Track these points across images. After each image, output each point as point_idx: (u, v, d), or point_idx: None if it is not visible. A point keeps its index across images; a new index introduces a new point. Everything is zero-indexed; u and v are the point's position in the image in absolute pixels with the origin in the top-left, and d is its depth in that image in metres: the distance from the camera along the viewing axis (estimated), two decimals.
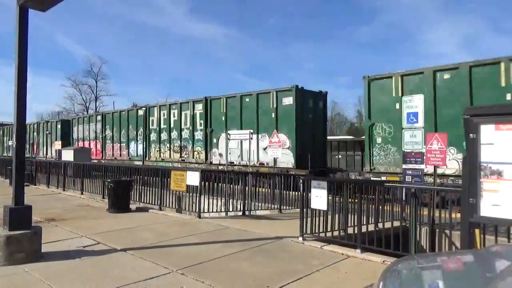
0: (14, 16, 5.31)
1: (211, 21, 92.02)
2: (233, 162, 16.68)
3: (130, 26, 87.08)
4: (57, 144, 27.08)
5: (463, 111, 3.89)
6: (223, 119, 17.59)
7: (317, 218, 6.24)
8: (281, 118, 15.51)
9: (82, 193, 12.50)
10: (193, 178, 8.58)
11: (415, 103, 7.02)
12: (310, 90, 16.15)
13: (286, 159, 15.03)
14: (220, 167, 16.58)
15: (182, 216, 8.66)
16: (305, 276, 4.53)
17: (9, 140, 35.57)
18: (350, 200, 6.21)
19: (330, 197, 6.19)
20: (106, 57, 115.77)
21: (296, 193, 9.79)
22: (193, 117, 19.16)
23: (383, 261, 5.05)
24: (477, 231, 4.21)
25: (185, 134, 19.75)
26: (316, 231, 6.25)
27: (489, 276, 1.90)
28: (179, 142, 19.95)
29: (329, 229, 6.14)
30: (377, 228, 5.89)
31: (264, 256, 5.39)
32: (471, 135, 3.65)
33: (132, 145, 23.28)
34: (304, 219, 6.28)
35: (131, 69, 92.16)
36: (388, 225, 6.12)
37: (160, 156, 20.98)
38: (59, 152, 25.44)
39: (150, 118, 21.81)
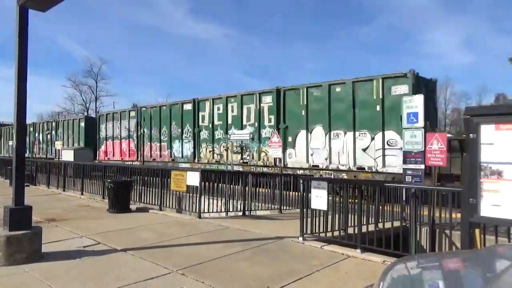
0: (14, 16, 5.31)
1: (211, 21, 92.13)
2: (317, 166, 13.91)
3: (130, 26, 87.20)
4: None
5: (464, 111, 3.89)
6: (303, 113, 14.36)
7: (317, 218, 6.24)
8: (389, 111, 12.21)
9: (82, 194, 12.50)
10: (193, 178, 8.58)
11: (415, 103, 7.00)
12: (423, 77, 12.71)
13: (396, 163, 11.67)
14: (299, 172, 14.02)
15: (182, 216, 8.66)
16: (306, 276, 4.53)
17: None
18: (350, 200, 6.21)
19: (330, 197, 6.19)
20: (106, 57, 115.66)
21: (296, 193, 9.80)
22: (259, 111, 15.91)
23: (383, 261, 5.05)
24: (477, 231, 4.22)
25: (248, 132, 16.37)
26: (316, 231, 6.25)
27: (490, 276, 1.90)
28: (239, 142, 16.54)
29: (329, 229, 6.14)
30: (377, 228, 5.89)
31: (264, 256, 5.39)
32: (471, 135, 3.65)
33: (176, 144, 19.72)
34: (304, 219, 6.28)
35: (131, 69, 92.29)
36: (388, 225, 6.12)
37: (213, 157, 17.71)
38: (58, 152, 25.40)
39: (200, 114, 18.48)
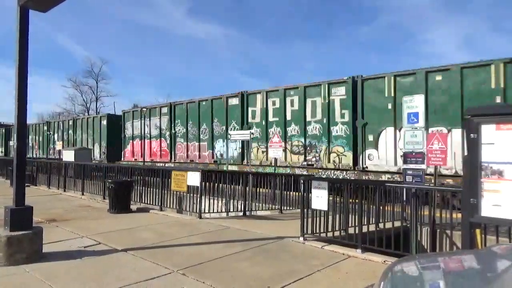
0: (15, 16, 5.32)
1: (211, 21, 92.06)
2: None
3: (130, 26, 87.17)
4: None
5: (465, 111, 3.89)
6: (389, 107, 12.08)
7: (317, 218, 6.25)
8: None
9: (82, 194, 12.51)
10: (193, 179, 8.58)
11: (416, 103, 7.00)
12: None
13: None
14: (385, 177, 11.98)
15: (183, 217, 8.67)
16: (306, 276, 4.52)
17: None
18: (350, 200, 6.21)
19: (330, 197, 6.19)
20: (106, 57, 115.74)
21: (297, 193, 9.80)
22: (328, 105, 13.64)
23: (384, 261, 5.05)
24: (478, 231, 4.22)
25: (314, 129, 14.26)
26: (317, 231, 6.25)
27: (490, 276, 1.90)
28: (302, 140, 14.35)
29: (329, 229, 6.14)
30: (377, 228, 5.89)
31: (265, 256, 5.39)
32: (472, 135, 3.65)
33: (219, 144, 17.40)
34: (305, 219, 6.28)
35: (131, 70, 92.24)
36: (389, 225, 6.12)
37: (266, 158, 15.42)
38: (59, 153, 25.36)
39: (249, 109, 16.22)
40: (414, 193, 5.82)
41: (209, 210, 8.82)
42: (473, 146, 3.66)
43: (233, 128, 16.75)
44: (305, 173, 13.62)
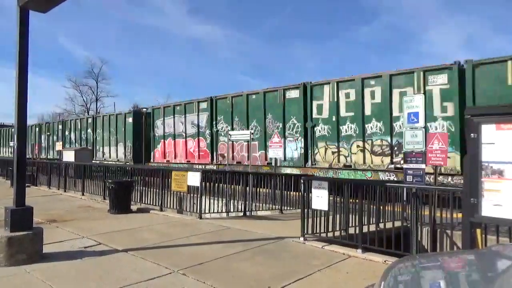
0: (15, 17, 5.32)
1: (211, 21, 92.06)
2: None
3: (130, 26, 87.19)
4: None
5: (465, 111, 3.90)
6: None
7: (318, 218, 6.25)
8: None
9: (83, 194, 12.51)
10: (194, 179, 8.58)
11: (416, 103, 7.00)
12: None
13: None
14: None
15: (183, 217, 8.67)
16: (307, 276, 4.53)
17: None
18: (351, 200, 6.21)
19: (331, 197, 6.19)
20: (106, 57, 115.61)
21: (297, 193, 9.80)
22: (426, 97, 10.62)
23: (384, 261, 5.05)
24: (478, 231, 4.21)
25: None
26: (317, 231, 6.25)
27: (491, 276, 1.90)
28: (387, 139, 11.97)
29: (330, 229, 6.14)
30: (378, 228, 5.89)
31: (265, 256, 5.39)
32: (472, 134, 3.65)
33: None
34: (305, 219, 6.28)
35: (131, 70, 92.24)
36: (389, 225, 6.12)
37: (338, 160, 13.04)
38: (59, 153, 25.25)
39: (314, 103, 13.68)
40: (415, 193, 5.82)
41: (209, 211, 8.83)
42: (473, 146, 3.66)
43: (292, 126, 14.37)
44: (393, 178, 11.45)
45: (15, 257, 4.88)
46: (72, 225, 7.46)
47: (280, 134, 14.29)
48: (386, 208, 6.59)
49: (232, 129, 16.32)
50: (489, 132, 3.58)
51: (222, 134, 16.74)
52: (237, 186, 9.48)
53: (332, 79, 13.27)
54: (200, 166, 16.32)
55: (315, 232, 6.26)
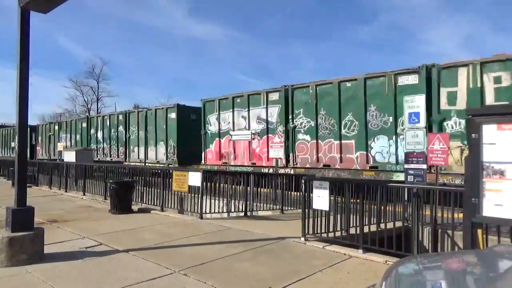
0: (16, 18, 5.33)
1: (212, 21, 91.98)
2: None
3: (131, 26, 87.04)
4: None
5: (466, 111, 3.89)
6: None
7: (319, 219, 6.24)
8: None
9: (84, 194, 12.52)
10: (195, 179, 8.58)
11: (417, 103, 7.00)
12: None
13: None
14: None
15: (184, 217, 8.67)
16: (308, 277, 4.52)
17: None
18: (352, 200, 6.20)
19: (332, 198, 6.19)
20: (106, 58, 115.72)
21: (298, 193, 9.79)
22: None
23: (385, 261, 5.04)
24: (479, 231, 4.20)
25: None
26: (318, 231, 6.25)
27: (492, 276, 1.89)
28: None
29: (331, 229, 6.14)
30: (379, 229, 5.89)
31: (266, 256, 5.39)
32: (473, 135, 3.65)
33: (380, 142, 11.84)
34: (306, 220, 6.27)
35: (131, 70, 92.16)
36: (390, 225, 6.11)
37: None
38: (60, 154, 25.23)
39: (442, 90, 10.54)
40: (416, 192, 5.82)
41: (210, 211, 8.82)
42: (474, 146, 3.65)
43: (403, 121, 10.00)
44: None
45: (16, 257, 4.88)
46: (73, 225, 7.47)
47: (390, 132, 11.57)
48: (387, 208, 6.58)
49: (316, 124, 13.38)
50: (490, 132, 3.57)
51: (302, 131, 13.85)
52: (238, 186, 9.47)
53: (468, 60, 10.22)
54: (269, 170, 13.71)
55: (316, 232, 6.25)
